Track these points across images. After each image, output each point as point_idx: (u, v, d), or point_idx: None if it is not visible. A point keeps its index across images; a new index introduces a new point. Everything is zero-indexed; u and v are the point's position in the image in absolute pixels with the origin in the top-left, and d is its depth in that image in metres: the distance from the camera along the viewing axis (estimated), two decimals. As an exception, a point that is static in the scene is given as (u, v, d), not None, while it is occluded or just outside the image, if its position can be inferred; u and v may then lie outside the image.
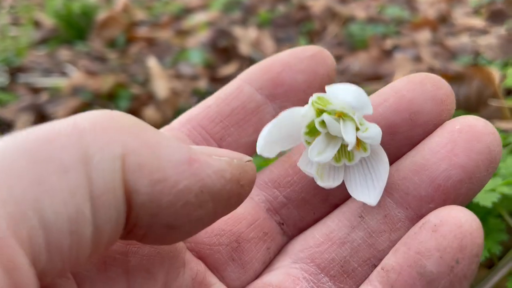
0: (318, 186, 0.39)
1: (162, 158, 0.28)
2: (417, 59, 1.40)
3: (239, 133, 0.42)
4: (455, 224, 0.31)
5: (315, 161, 0.37)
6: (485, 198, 0.48)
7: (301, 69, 0.41)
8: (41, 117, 1.37)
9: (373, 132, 0.35)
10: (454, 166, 0.34)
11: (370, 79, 1.34)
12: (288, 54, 0.42)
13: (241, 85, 0.43)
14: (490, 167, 0.34)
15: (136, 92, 1.41)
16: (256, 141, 0.39)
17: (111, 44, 1.92)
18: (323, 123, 0.37)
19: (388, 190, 0.37)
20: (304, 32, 1.78)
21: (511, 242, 0.51)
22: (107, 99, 1.42)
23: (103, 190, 0.26)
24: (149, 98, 1.37)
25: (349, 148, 0.36)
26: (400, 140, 0.38)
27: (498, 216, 0.53)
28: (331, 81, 0.42)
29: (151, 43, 1.87)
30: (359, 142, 0.37)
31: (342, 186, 0.39)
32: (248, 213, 0.40)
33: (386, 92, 0.38)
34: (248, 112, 0.42)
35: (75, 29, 2.02)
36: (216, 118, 0.41)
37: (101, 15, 2.03)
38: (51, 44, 1.98)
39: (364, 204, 0.38)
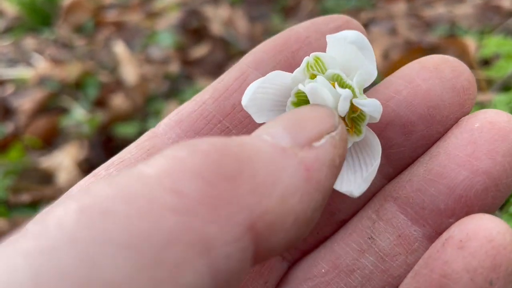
0: None
1: (286, 197, 0.22)
2: (393, 32, 1.37)
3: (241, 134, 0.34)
4: (486, 238, 0.26)
5: (308, 88, 0.30)
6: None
7: (324, 46, 0.32)
8: (6, 110, 1.31)
9: (373, 102, 0.29)
10: (477, 173, 0.28)
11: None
12: (306, 27, 0.34)
13: (246, 71, 0.34)
14: None
15: (104, 79, 1.36)
16: None
17: (79, 30, 1.85)
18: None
19: (401, 205, 0.31)
20: (278, 9, 1.74)
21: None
22: (75, 88, 1.36)
23: (226, 279, 0.19)
24: (118, 85, 1.32)
25: (341, 111, 0.29)
26: (417, 140, 0.32)
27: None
28: None
29: (120, 27, 1.80)
30: (353, 124, 0.31)
31: (350, 199, 0.33)
32: None
33: (396, 83, 0.32)
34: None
35: (40, 16, 1.94)
36: (214, 118, 0.33)
37: (67, 0, 1.95)
38: (15, 33, 1.90)
39: (374, 224, 0.32)
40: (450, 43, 0.93)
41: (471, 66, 0.87)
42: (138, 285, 0.17)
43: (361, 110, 0.30)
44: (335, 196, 0.34)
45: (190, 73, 1.38)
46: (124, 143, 1.22)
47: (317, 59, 0.31)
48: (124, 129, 1.12)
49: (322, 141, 0.25)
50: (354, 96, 0.30)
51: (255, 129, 0.32)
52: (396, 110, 0.32)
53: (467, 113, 0.32)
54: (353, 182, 0.31)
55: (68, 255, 0.17)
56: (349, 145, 0.32)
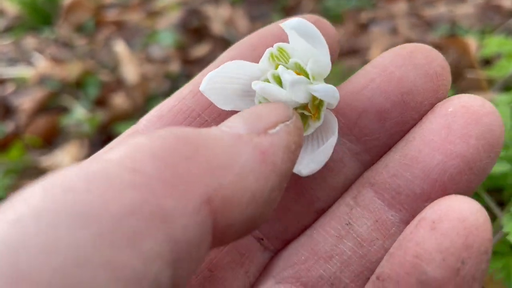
0: (301, 190, 0.34)
1: (242, 174, 0.23)
2: (394, 31, 1.37)
3: None
4: (458, 219, 0.26)
5: (258, 87, 0.31)
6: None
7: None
8: (6, 109, 1.31)
9: (326, 87, 0.30)
10: (451, 156, 0.29)
11: (346, 54, 1.30)
12: (280, 25, 0.36)
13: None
14: (493, 152, 0.29)
15: (105, 79, 1.36)
16: None
17: (79, 29, 1.85)
18: (278, 78, 0.32)
19: (378, 191, 0.32)
20: (278, 8, 1.73)
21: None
22: (75, 88, 1.36)
23: (187, 250, 0.21)
24: (119, 84, 1.32)
25: (284, 84, 0.31)
26: (392, 127, 0.33)
27: (475, 195, 0.51)
28: (333, 54, 0.36)
29: (121, 27, 1.79)
30: (316, 110, 0.32)
31: (329, 187, 0.34)
32: None
33: (371, 71, 0.33)
34: None
35: (40, 15, 1.94)
36: (193, 112, 0.34)
37: (67, -1, 1.94)
38: (16, 32, 1.90)
39: (351, 210, 0.33)
40: (451, 42, 0.93)
41: (472, 66, 0.87)
42: (99, 250, 0.18)
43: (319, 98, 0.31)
44: (313, 184, 0.35)
45: (191, 73, 1.38)
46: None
47: (281, 50, 0.32)
48: (125, 128, 1.12)
49: (277, 128, 0.27)
50: (309, 82, 0.31)
51: None
52: (371, 98, 0.32)
53: (441, 99, 0.32)
54: (303, 162, 0.32)
55: (31, 225, 0.18)
56: (312, 130, 0.33)
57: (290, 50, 0.32)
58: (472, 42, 0.93)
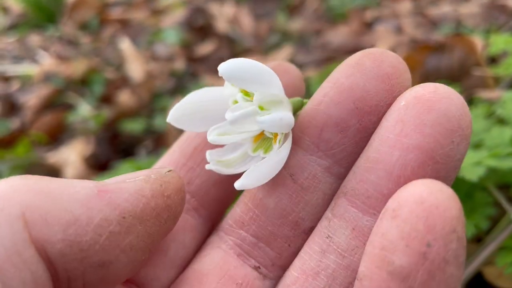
0: (282, 213, 0.35)
1: (67, 201, 0.27)
2: (398, 30, 1.37)
3: (207, 172, 0.38)
4: (415, 202, 0.25)
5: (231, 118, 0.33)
6: (470, 172, 0.46)
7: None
8: (12, 106, 1.31)
9: (269, 118, 0.31)
10: (408, 150, 0.29)
11: (351, 53, 1.30)
12: None
13: None
14: (455, 137, 0.28)
15: (110, 76, 1.36)
16: (228, 177, 0.37)
17: (84, 27, 1.85)
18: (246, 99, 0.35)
19: (350, 199, 0.32)
20: (282, 7, 1.73)
21: (499, 216, 0.49)
22: (81, 85, 1.36)
23: (5, 257, 0.24)
24: (124, 82, 1.32)
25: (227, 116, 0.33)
26: (354, 135, 0.32)
27: (484, 190, 0.51)
28: (300, 91, 0.39)
29: (125, 25, 1.80)
30: (276, 134, 0.34)
31: (310, 206, 0.35)
32: (215, 266, 0.36)
33: (325, 86, 0.34)
34: (212, 146, 0.38)
35: (45, 13, 1.94)
36: (179, 162, 0.39)
37: (72, -3, 1.95)
38: (20, 30, 1.90)
39: (329, 222, 0.33)
40: (457, 41, 0.93)
41: (478, 64, 0.87)
42: None
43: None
44: (294, 206, 0.35)
45: (196, 70, 1.38)
46: (130, 139, 1.21)
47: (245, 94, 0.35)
48: (130, 125, 1.13)
49: (136, 178, 0.31)
50: (258, 113, 0.32)
51: None
52: (327, 112, 0.33)
53: None
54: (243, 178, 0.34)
55: None
56: (273, 152, 0.35)
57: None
58: (478, 40, 0.93)
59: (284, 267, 0.36)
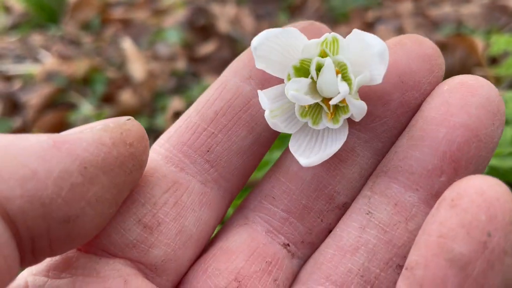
0: (319, 185, 0.34)
1: (21, 154, 0.25)
2: (400, 30, 1.37)
3: (230, 138, 0.35)
4: (476, 193, 0.26)
5: (289, 95, 0.32)
6: (471, 171, 0.46)
7: None
8: (14, 105, 1.31)
9: (362, 105, 0.32)
10: (454, 127, 0.30)
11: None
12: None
13: (225, 80, 0.36)
14: (495, 120, 0.30)
15: (112, 75, 1.36)
16: (252, 144, 0.35)
17: (86, 27, 1.86)
18: (319, 67, 0.33)
19: (392, 176, 0.32)
20: (284, 7, 1.74)
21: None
22: (82, 84, 1.37)
23: None
24: (126, 81, 1.33)
25: (331, 102, 0.32)
26: (396, 108, 0.33)
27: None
28: None
29: (127, 25, 1.80)
30: (334, 112, 0.33)
31: (346, 179, 0.34)
32: (244, 243, 0.35)
33: None
34: (236, 110, 0.35)
35: (47, 13, 1.94)
36: (199, 127, 0.35)
37: (74, -3, 1.95)
38: (22, 29, 1.91)
39: (369, 200, 0.33)
40: (458, 41, 0.93)
41: (479, 64, 0.87)
42: None
43: (348, 105, 0.32)
44: (331, 179, 0.35)
45: (197, 70, 1.38)
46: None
47: (334, 40, 0.33)
48: (132, 125, 1.13)
49: (94, 128, 0.29)
50: (350, 92, 0.32)
51: (239, 131, 0.35)
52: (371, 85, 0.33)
53: (438, 77, 0.33)
54: (306, 154, 0.33)
55: None
56: (322, 127, 0.34)
57: (343, 45, 0.33)
58: (479, 41, 0.93)
59: (312, 245, 0.35)
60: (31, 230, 0.25)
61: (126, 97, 1.21)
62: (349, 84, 0.32)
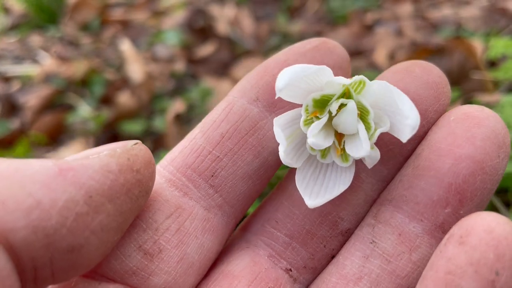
0: (322, 211, 0.34)
1: (26, 183, 0.24)
2: (399, 33, 1.37)
3: (235, 163, 0.34)
4: (485, 231, 0.26)
5: (309, 142, 0.31)
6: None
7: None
8: (12, 106, 1.31)
9: (377, 155, 0.32)
10: (460, 159, 0.30)
11: (351, 55, 1.30)
12: (285, 52, 0.35)
13: (231, 101, 0.35)
14: (501, 152, 0.30)
15: (110, 77, 1.36)
16: (258, 168, 0.34)
17: (85, 28, 1.85)
18: (342, 106, 0.32)
19: (396, 205, 0.32)
20: (283, 9, 1.74)
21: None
22: (81, 86, 1.37)
23: None
24: (124, 83, 1.32)
25: (353, 154, 0.32)
26: None
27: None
28: (345, 75, 0.35)
29: (126, 26, 1.80)
30: (344, 150, 0.33)
31: (351, 206, 0.34)
32: (245, 268, 0.34)
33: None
34: (242, 133, 0.34)
35: (46, 14, 1.94)
36: (204, 150, 0.34)
37: (73, -2, 1.95)
38: (21, 30, 1.91)
39: (373, 228, 0.33)
40: (456, 44, 0.93)
41: (478, 67, 0.87)
42: None
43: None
44: (335, 205, 0.35)
45: (196, 72, 1.38)
46: (129, 140, 1.20)
47: (361, 82, 0.32)
48: (130, 126, 1.13)
49: (101, 154, 0.28)
50: (370, 138, 0.32)
51: (245, 155, 0.34)
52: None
53: (444, 106, 0.33)
54: (312, 194, 0.33)
55: None
56: (329, 161, 0.33)
57: (369, 90, 0.32)
58: (477, 44, 0.93)
59: (315, 270, 0.35)
60: (34, 260, 0.25)
61: (125, 98, 1.21)
62: (367, 128, 0.32)
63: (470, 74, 0.85)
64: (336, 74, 0.34)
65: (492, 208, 0.50)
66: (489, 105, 0.71)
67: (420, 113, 0.32)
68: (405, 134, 0.30)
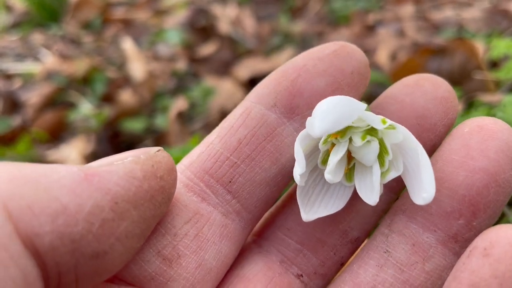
0: (333, 221, 0.34)
1: (53, 188, 0.24)
2: (400, 33, 1.37)
3: (253, 169, 0.34)
4: (509, 244, 0.26)
5: (326, 178, 0.32)
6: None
7: (322, 70, 0.33)
8: (13, 104, 1.31)
9: (381, 190, 0.32)
10: (474, 171, 0.30)
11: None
12: (303, 56, 0.35)
13: (249, 106, 0.35)
14: None
15: (112, 75, 1.36)
16: (276, 175, 0.34)
17: (86, 26, 1.86)
18: (364, 138, 0.32)
19: (410, 216, 0.32)
20: (285, 9, 1.74)
21: (497, 219, 0.49)
22: (82, 84, 1.37)
23: None
24: (126, 81, 1.32)
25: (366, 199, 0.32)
26: None
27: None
28: (365, 80, 0.35)
29: (128, 25, 1.80)
30: (350, 170, 0.34)
31: (360, 215, 0.35)
32: (259, 272, 0.34)
33: (384, 102, 0.35)
34: (260, 140, 0.34)
35: (48, 12, 1.95)
36: (222, 156, 0.34)
37: (75, -3, 1.95)
38: (23, 28, 1.91)
39: (387, 238, 0.33)
40: (458, 45, 0.93)
41: (479, 68, 0.87)
42: None
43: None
44: (345, 215, 0.35)
45: (197, 71, 1.38)
46: (131, 138, 1.21)
47: (390, 126, 0.31)
48: (131, 124, 1.13)
49: (125, 160, 0.28)
50: (381, 177, 0.32)
51: (262, 161, 0.34)
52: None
53: (453, 120, 0.34)
54: (307, 209, 0.34)
55: None
56: (337, 180, 0.33)
57: (393, 135, 0.32)
58: (479, 44, 0.93)
59: (325, 276, 0.35)
60: (59, 266, 0.24)
61: (126, 97, 1.21)
62: (381, 164, 0.32)
63: (472, 74, 0.85)
64: (355, 80, 0.34)
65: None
66: (491, 105, 0.71)
67: (429, 127, 0.33)
68: (415, 199, 0.30)
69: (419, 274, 0.31)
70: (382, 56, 1.21)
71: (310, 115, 0.32)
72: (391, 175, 0.32)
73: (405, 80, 0.35)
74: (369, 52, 1.30)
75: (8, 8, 2.15)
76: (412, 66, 0.99)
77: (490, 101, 0.74)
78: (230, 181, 0.34)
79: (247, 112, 0.35)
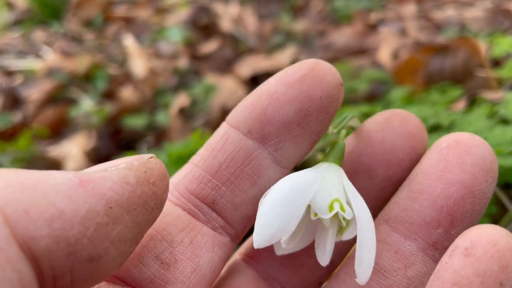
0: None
1: (49, 193, 0.25)
2: (402, 32, 1.37)
3: (233, 191, 0.36)
4: (489, 243, 0.28)
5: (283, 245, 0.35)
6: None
7: (291, 98, 0.34)
8: (15, 100, 1.31)
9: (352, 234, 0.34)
10: (451, 183, 0.32)
11: (355, 54, 1.31)
12: (276, 81, 0.36)
13: (227, 132, 0.37)
14: (489, 177, 0.32)
15: (113, 72, 1.36)
16: (256, 195, 0.36)
17: (88, 24, 1.86)
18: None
19: (392, 225, 0.34)
20: (287, 8, 1.74)
21: (501, 214, 0.49)
22: (84, 80, 1.37)
23: None
24: (127, 78, 1.32)
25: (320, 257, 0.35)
26: (380, 182, 0.37)
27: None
28: (335, 102, 0.35)
29: (129, 23, 1.80)
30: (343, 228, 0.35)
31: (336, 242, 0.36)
32: (249, 282, 0.38)
33: (356, 137, 0.38)
34: (238, 163, 0.36)
35: (50, 9, 1.95)
36: (204, 178, 0.36)
37: (77, -6, 1.95)
38: (25, 25, 1.91)
39: None
40: (460, 43, 0.93)
41: (482, 66, 0.87)
42: None
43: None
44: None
45: (199, 68, 1.38)
46: (132, 134, 1.21)
47: (342, 210, 0.33)
48: (133, 121, 1.13)
49: (119, 166, 0.29)
50: (338, 234, 0.35)
51: (242, 184, 0.36)
52: (358, 159, 0.37)
53: (420, 155, 0.36)
54: (281, 247, 0.36)
55: None
56: (288, 248, 0.36)
57: (350, 227, 0.34)
58: (482, 42, 0.93)
59: None
60: (54, 269, 0.25)
61: (127, 93, 1.21)
62: (344, 219, 0.33)
63: (474, 72, 0.85)
64: (324, 105, 0.34)
65: (497, 202, 0.49)
66: (493, 102, 0.71)
67: (396, 162, 0.36)
68: (355, 271, 0.32)
69: (401, 280, 0.33)
70: (384, 55, 1.21)
71: (283, 141, 0.35)
72: (348, 234, 0.34)
73: (377, 117, 0.37)
74: (371, 50, 1.30)
75: (10, 6, 2.15)
76: (414, 64, 0.99)
77: (493, 99, 0.74)
78: (213, 202, 0.36)
79: (226, 136, 0.37)
